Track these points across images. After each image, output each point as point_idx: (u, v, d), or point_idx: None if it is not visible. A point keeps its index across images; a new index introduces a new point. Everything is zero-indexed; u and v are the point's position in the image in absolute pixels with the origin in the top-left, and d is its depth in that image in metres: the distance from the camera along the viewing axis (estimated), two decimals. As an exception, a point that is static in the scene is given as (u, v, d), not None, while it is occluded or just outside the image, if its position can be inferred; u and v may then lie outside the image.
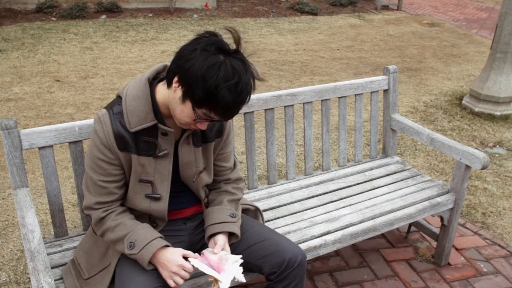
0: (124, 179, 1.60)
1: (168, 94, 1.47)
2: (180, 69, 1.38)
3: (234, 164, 1.84)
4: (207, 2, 8.73)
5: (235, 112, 1.44)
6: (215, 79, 1.33)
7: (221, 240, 1.63)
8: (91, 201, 1.58)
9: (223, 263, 1.56)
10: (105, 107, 1.55)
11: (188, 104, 1.41)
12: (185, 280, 1.50)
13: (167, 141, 1.55)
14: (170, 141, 1.56)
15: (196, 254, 1.56)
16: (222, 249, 1.60)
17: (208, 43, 1.37)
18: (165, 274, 1.50)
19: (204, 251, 1.61)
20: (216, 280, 1.52)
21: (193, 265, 1.50)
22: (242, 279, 1.56)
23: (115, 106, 1.53)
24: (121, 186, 1.59)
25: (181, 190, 1.70)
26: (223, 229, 1.64)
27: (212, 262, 1.56)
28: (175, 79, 1.41)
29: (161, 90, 1.52)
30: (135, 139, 1.52)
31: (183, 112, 1.43)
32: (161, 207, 1.63)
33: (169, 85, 1.46)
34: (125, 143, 1.51)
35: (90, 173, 1.56)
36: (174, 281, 1.49)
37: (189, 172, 1.65)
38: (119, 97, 1.56)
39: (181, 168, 1.63)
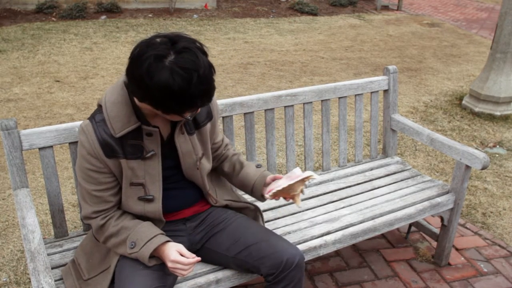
0: (118, 186, 1.60)
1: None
2: (144, 95, 1.38)
3: (223, 139, 1.89)
4: (206, 2, 8.73)
5: (210, 96, 1.43)
6: (177, 88, 1.33)
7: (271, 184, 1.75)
8: (88, 211, 1.59)
9: (293, 175, 1.69)
10: (88, 118, 1.56)
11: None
12: (187, 270, 1.51)
13: (152, 142, 1.56)
14: (155, 141, 1.56)
15: (192, 256, 1.56)
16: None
17: (148, 57, 1.34)
18: (169, 269, 1.54)
19: (270, 187, 1.73)
20: (294, 196, 1.70)
21: (188, 257, 1.52)
22: (316, 176, 1.70)
23: (96, 115, 1.54)
24: (115, 193, 1.60)
25: (181, 187, 1.70)
26: (264, 177, 1.77)
27: (282, 181, 1.70)
28: (146, 106, 1.43)
29: None
30: (121, 144, 1.52)
31: (164, 115, 1.46)
32: (155, 208, 1.63)
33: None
34: (112, 150, 1.51)
35: (83, 184, 1.57)
36: (178, 274, 1.52)
37: (190, 161, 1.66)
38: (99, 106, 1.56)
39: (182, 159, 1.64)
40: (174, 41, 1.37)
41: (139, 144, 1.54)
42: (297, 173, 1.70)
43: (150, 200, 1.61)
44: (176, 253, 1.52)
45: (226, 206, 1.87)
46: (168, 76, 1.32)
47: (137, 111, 1.52)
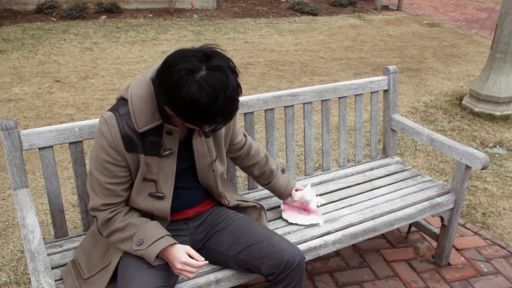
0: (130, 181, 1.60)
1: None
2: (168, 102, 1.41)
3: (245, 136, 1.96)
4: (192, 2, 8.73)
5: (231, 116, 1.45)
6: (202, 104, 1.35)
7: (295, 195, 2.08)
8: (97, 202, 1.58)
9: (307, 204, 2.07)
10: (110, 110, 1.56)
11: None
12: (194, 273, 1.53)
13: (171, 140, 1.57)
14: (174, 140, 1.57)
15: (199, 257, 1.57)
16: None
17: (181, 70, 1.36)
18: (174, 270, 1.54)
19: (284, 202, 2.14)
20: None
21: (198, 260, 1.54)
22: (323, 201, 2.12)
23: (120, 108, 1.54)
24: (127, 188, 1.60)
25: (189, 187, 1.72)
26: (291, 189, 2.08)
27: (296, 208, 2.12)
28: (169, 110, 1.45)
29: None
30: (142, 139, 1.53)
31: (187, 124, 1.48)
32: (164, 206, 1.64)
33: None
34: (133, 144, 1.52)
35: (96, 175, 1.56)
36: (184, 276, 1.54)
37: (205, 163, 1.68)
38: (122, 99, 1.57)
39: (197, 160, 1.66)
40: (208, 57, 1.38)
41: (158, 141, 1.55)
42: (311, 205, 2.08)
43: (160, 198, 1.62)
44: (185, 255, 1.53)
45: (237, 206, 1.90)
46: (196, 91, 1.34)
47: (160, 109, 1.53)
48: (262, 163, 2.01)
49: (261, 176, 2.03)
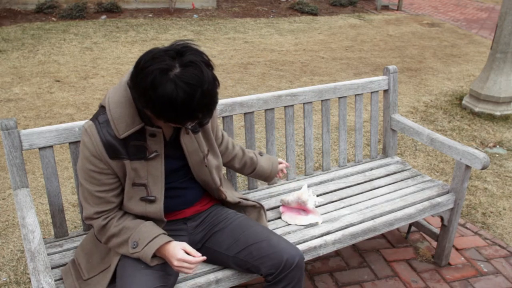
0: (120, 186, 1.60)
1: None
2: (146, 104, 1.39)
3: (222, 135, 1.94)
4: (193, 2, 8.73)
5: (211, 110, 1.44)
6: (180, 102, 1.33)
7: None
8: (90, 211, 1.59)
9: (305, 205, 2.09)
10: (91, 118, 1.56)
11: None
12: (193, 269, 1.52)
13: (156, 142, 1.56)
14: (159, 142, 1.56)
15: (197, 253, 1.57)
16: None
17: (154, 70, 1.34)
18: (173, 267, 1.54)
19: (282, 202, 2.18)
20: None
21: (195, 256, 1.53)
22: (320, 200, 2.14)
23: (99, 116, 1.53)
24: (118, 194, 1.60)
25: (184, 186, 1.71)
26: (276, 166, 2.08)
27: (295, 209, 2.14)
28: (148, 112, 1.44)
29: None
30: (125, 145, 1.52)
31: (168, 124, 1.47)
32: (157, 208, 1.63)
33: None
34: (115, 151, 1.51)
35: (85, 185, 1.56)
36: (183, 272, 1.53)
37: (197, 159, 1.67)
38: (102, 107, 1.56)
39: (189, 158, 1.65)
40: (180, 53, 1.37)
41: (142, 145, 1.54)
42: (308, 205, 2.09)
43: (152, 201, 1.61)
44: (182, 251, 1.52)
45: (237, 204, 1.89)
46: (172, 90, 1.32)
47: (140, 112, 1.52)
48: (240, 155, 2.02)
49: (244, 167, 2.04)
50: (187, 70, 1.34)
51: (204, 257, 1.53)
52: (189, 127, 1.49)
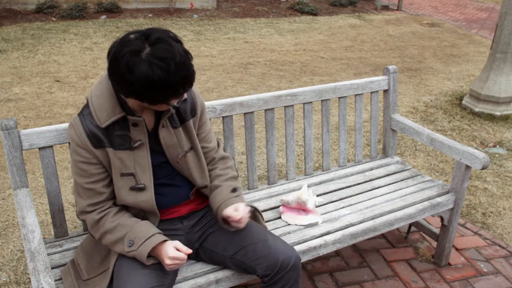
0: (109, 177, 1.62)
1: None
2: (128, 91, 1.43)
3: (218, 144, 1.87)
4: (192, 2, 8.73)
5: (191, 82, 1.47)
6: (157, 78, 1.37)
7: (231, 209, 1.65)
8: (83, 205, 1.60)
9: (305, 205, 2.09)
10: (77, 114, 1.60)
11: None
12: (183, 262, 1.54)
13: (139, 132, 1.58)
14: (142, 131, 1.59)
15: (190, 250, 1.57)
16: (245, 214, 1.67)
17: (125, 54, 1.38)
18: (165, 266, 1.55)
19: (282, 202, 2.18)
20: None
21: (185, 252, 1.54)
22: (320, 200, 2.15)
23: (84, 109, 1.59)
24: (107, 184, 1.61)
25: (171, 183, 1.70)
26: (225, 206, 1.67)
27: (295, 209, 2.14)
28: (132, 101, 1.48)
29: None
30: (108, 135, 1.55)
31: (152, 107, 1.50)
32: (148, 196, 1.62)
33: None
34: (98, 140, 1.55)
35: (76, 178, 1.60)
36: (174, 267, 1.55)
37: (176, 154, 1.67)
38: (86, 102, 1.61)
39: (167, 152, 1.66)
40: (147, 35, 1.41)
41: (126, 135, 1.57)
42: (308, 205, 2.10)
43: (141, 189, 1.62)
44: (173, 249, 1.53)
45: None
46: (147, 68, 1.36)
47: (122, 104, 1.55)
48: (212, 176, 1.80)
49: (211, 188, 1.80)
50: (157, 47, 1.38)
51: (190, 251, 1.55)
52: (176, 104, 1.50)
